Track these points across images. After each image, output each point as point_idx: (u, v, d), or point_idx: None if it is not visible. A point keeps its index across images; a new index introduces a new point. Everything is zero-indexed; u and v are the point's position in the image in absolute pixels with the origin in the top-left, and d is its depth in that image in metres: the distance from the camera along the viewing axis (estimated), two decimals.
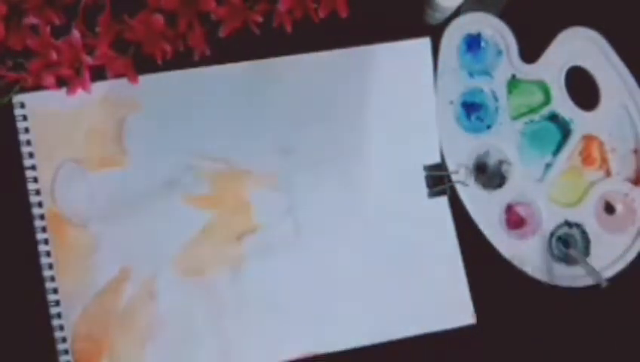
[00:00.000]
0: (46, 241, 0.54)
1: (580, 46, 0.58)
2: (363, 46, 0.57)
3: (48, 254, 0.54)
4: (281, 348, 0.55)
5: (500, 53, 0.58)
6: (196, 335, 0.54)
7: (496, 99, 0.58)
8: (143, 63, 0.54)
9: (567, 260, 0.57)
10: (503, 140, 0.58)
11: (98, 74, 0.54)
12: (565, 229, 0.57)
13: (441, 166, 0.57)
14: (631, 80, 0.58)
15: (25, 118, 0.54)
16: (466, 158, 0.57)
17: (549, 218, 0.57)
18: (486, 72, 0.58)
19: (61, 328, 0.53)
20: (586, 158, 0.58)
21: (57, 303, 0.53)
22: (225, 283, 0.55)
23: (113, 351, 0.54)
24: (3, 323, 0.54)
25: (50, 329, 0.53)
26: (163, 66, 0.54)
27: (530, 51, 0.58)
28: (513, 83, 0.58)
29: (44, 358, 0.54)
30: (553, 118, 0.58)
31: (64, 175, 0.54)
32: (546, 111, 0.58)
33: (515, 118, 0.58)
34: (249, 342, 0.55)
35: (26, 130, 0.54)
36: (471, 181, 0.57)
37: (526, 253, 0.57)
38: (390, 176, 0.57)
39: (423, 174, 0.57)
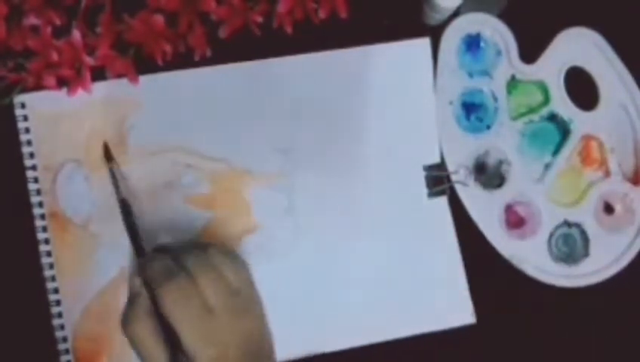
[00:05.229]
0: (47, 241, 0.54)
1: (579, 46, 0.58)
2: (363, 46, 0.57)
3: (49, 254, 0.54)
4: (281, 347, 0.54)
5: (499, 53, 0.58)
6: None
7: (495, 99, 0.58)
8: (144, 63, 0.54)
9: (567, 260, 0.57)
10: (503, 140, 0.58)
11: (98, 74, 0.54)
12: (564, 229, 0.57)
13: (440, 166, 0.57)
14: (630, 80, 0.58)
15: (26, 118, 0.54)
16: (465, 158, 0.57)
17: (549, 218, 0.57)
18: (485, 73, 0.58)
19: (62, 328, 0.54)
20: (586, 158, 0.58)
21: (58, 303, 0.54)
22: None
23: (114, 351, 0.54)
24: (3, 322, 0.54)
25: (50, 329, 0.54)
26: (163, 66, 0.54)
27: (530, 51, 0.58)
28: (513, 83, 0.58)
29: (44, 358, 0.54)
30: (552, 118, 0.58)
31: (65, 175, 0.54)
32: (545, 111, 0.58)
33: (514, 118, 0.58)
34: None
35: (27, 131, 0.54)
36: (470, 181, 0.57)
37: (525, 253, 0.57)
38: (390, 176, 0.57)
39: (422, 174, 0.57)
